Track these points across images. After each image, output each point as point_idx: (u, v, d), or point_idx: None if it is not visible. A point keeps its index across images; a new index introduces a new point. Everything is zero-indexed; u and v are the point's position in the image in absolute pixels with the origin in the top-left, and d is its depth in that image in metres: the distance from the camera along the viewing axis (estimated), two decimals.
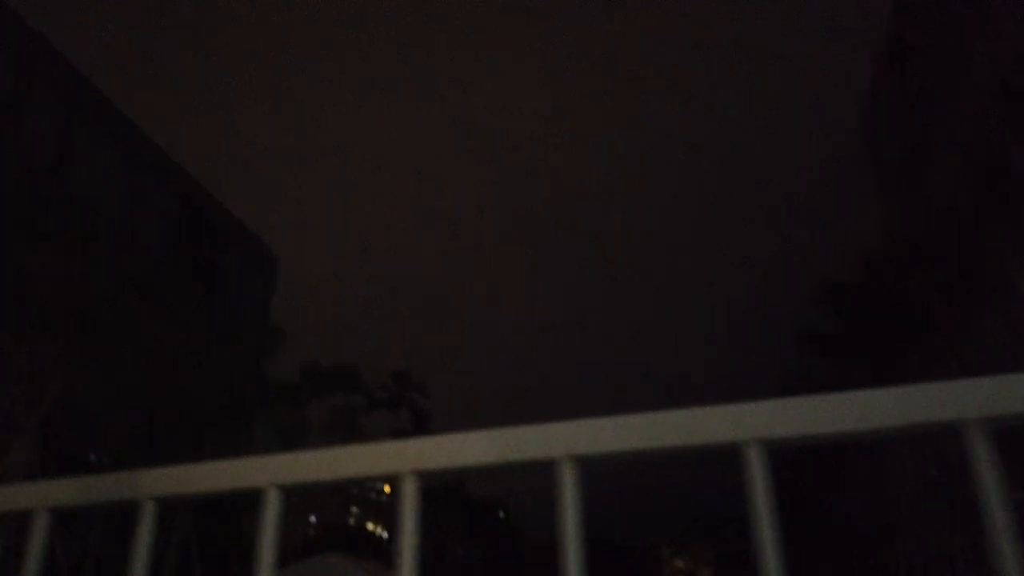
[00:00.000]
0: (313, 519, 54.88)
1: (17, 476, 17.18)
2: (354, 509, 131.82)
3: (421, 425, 46.19)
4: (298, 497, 74.20)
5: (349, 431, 28.86)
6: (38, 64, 35.46)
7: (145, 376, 24.10)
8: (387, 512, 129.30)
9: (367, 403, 34.85)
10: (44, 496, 0.99)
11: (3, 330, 18.58)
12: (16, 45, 33.96)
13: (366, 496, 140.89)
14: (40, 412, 17.78)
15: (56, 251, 22.31)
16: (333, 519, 58.65)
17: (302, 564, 15.15)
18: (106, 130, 40.11)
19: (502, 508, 50.82)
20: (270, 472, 0.91)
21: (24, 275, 19.28)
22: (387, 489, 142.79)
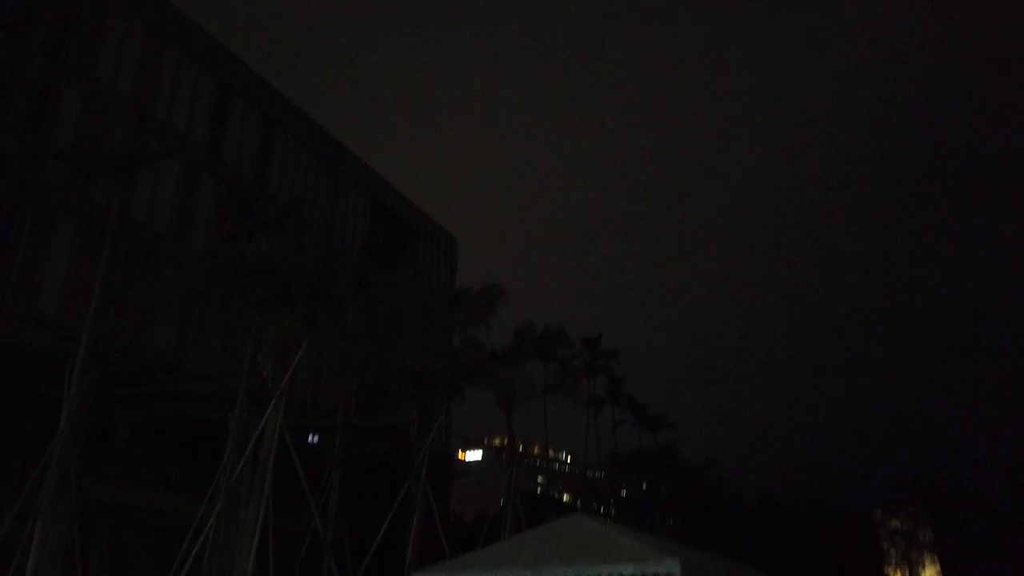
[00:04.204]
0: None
1: (266, 440, 18.05)
2: (540, 478, 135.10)
3: (616, 392, 45.74)
4: (493, 471, 76.85)
5: (569, 394, 28.71)
6: (237, 80, 37.99)
7: (365, 347, 24.93)
8: (568, 479, 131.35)
9: (561, 370, 34.44)
10: None
11: (251, 307, 19.66)
12: (217, 64, 36.49)
13: (550, 467, 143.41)
14: (287, 381, 18.65)
15: (271, 236, 23.50)
16: (524, 486, 59.49)
17: (556, 522, 14.86)
18: (302, 138, 42.78)
19: (713, 472, 49.36)
20: None
21: (244, 257, 20.30)
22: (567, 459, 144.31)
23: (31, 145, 26.92)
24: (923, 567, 61.44)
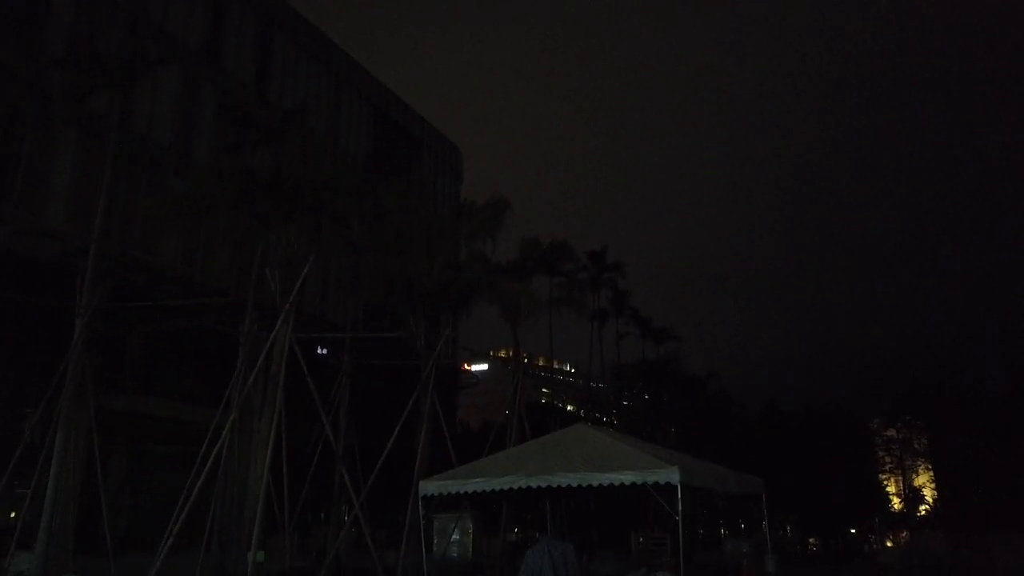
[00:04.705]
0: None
1: (277, 352, 18.30)
2: (544, 389, 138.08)
3: (620, 305, 46.05)
4: (499, 383, 78.54)
5: (575, 307, 28.89)
6: None
7: (371, 260, 24.95)
8: (572, 390, 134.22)
9: (566, 283, 34.50)
10: None
11: (259, 222, 19.58)
12: None
13: (554, 378, 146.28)
14: (295, 295, 18.75)
15: (270, 147, 23.15)
16: (529, 397, 60.72)
17: (560, 432, 15.16)
18: (303, 45, 41.49)
19: (715, 382, 50.23)
20: None
21: (249, 171, 20.04)
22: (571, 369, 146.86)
23: (26, 51, 26.26)
24: (916, 473, 63.32)
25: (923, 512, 61.24)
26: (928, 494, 62.14)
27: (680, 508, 10.74)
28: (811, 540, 57.59)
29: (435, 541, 28.08)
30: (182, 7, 33.72)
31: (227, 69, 36.22)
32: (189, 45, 33.96)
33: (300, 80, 41.22)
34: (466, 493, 12.10)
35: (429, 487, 12.59)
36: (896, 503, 63.52)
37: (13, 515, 22.61)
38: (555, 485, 11.65)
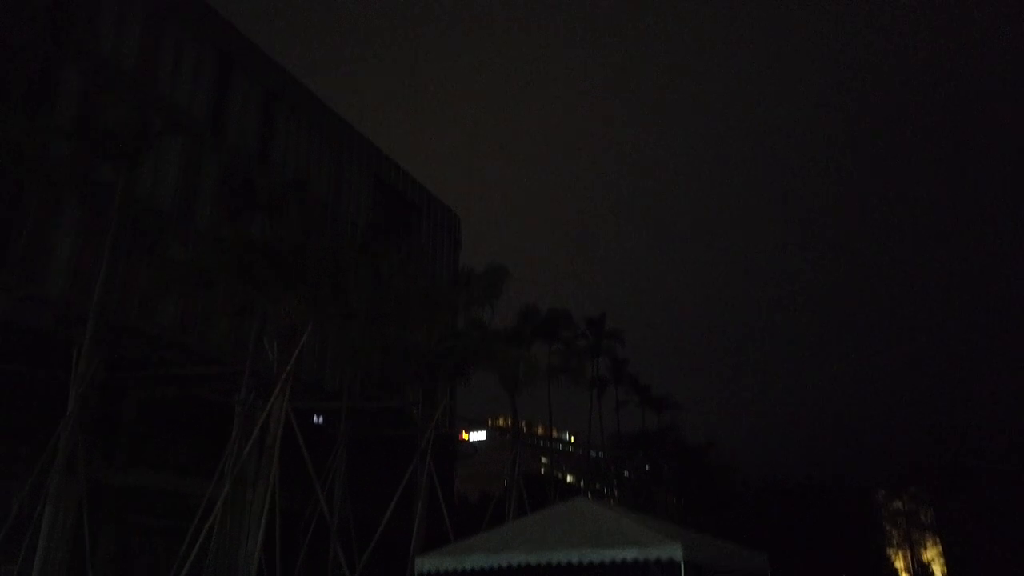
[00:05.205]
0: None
1: (272, 422, 18.10)
2: (543, 459, 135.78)
3: (619, 373, 45.79)
4: (497, 452, 77.29)
5: (573, 376, 28.76)
6: (239, 55, 37.70)
7: (368, 329, 24.93)
8: (571, 460, 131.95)
9: (565, 350, 34.43)
10: None
11: (259, 291, 19.64)
12: (218, 39, 36.19)
13: (553, 447, 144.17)
14: (293, 364, 18.65)
15: (271, 216, 23.43)
16: (528, 467, 59.71)
17: (560, 505, 14.93)
18: (305, 114, 42.50)
19: (715, 452, 49.60)
20: None
21: (250, 240, 20.24)
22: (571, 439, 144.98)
23: (33, 123, 26.80)
24: (924, 548, 61.79)
25: None
26: (937, 570, 60.59)
27: None
28: None
29: None
30: (188, 78, 34.63)
31: (230, 138, 36.96)
32: (194, 115, 34.73)
33: (302, 148, 42.03)
34: (463, 570, 11.79)
35: (426, 564, 12.28)
36: None
37: None
38: (555, 562, 11.37)
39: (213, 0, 36.64)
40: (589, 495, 18.04)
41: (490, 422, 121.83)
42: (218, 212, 33.35)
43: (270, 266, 19.11)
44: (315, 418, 35.93)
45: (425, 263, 38.82)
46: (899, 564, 60.42)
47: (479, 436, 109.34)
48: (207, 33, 35.61)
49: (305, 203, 23.47)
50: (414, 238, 49.53)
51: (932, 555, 61.42)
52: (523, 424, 32.77)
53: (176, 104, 33.58)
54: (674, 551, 10.46)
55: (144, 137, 20.81)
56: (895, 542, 58.96)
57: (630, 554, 10.79)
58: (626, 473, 56.67)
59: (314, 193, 36.64)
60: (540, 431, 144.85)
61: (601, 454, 65.69)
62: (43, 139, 26.35)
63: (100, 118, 23.69)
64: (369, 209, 47.17)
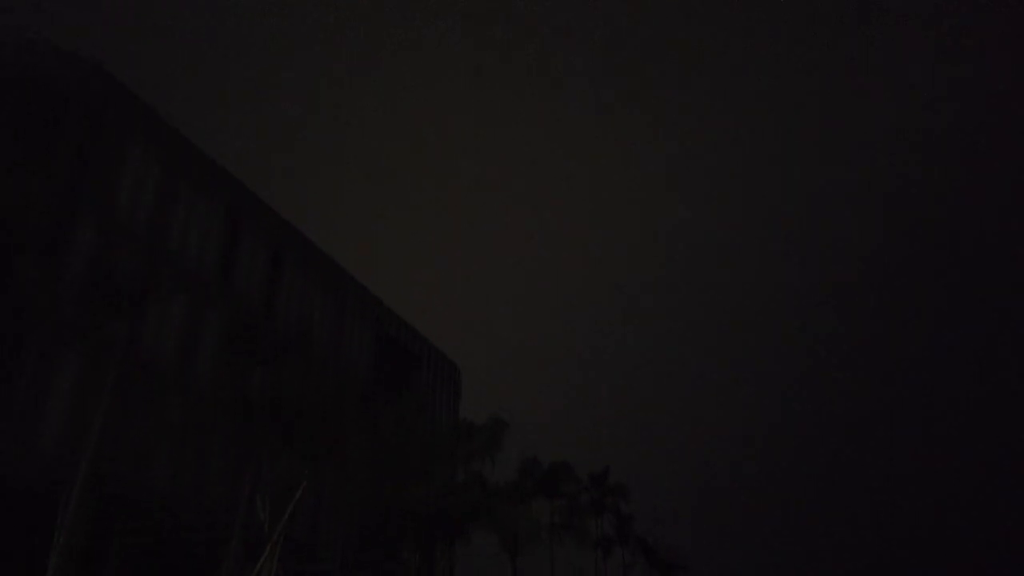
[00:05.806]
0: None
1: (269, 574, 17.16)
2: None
3: (625, 532, 43.77)
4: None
5: (577, 535, 27.55)
6: (247, 210, 39.22)
7: (366, 484, 24.21)
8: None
9: (568, 507, 33.28)
10: None
11: (255, 443, 19.24)
12: (227, 196, 37.79)
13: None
14: (284, 523, 17.92)
15: (274, 370, 23.39)
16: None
17: None
18: (310, 267, 43.64)
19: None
20: None
21: (253, 395, 20.10)
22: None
23: (46, 275, 27.32)
24: None
25: None
26: None
27: None
28: None
29: None
30: (198, 233, 35.73)
31: (236, 289, 37.62)
32: (202, 268, 35.53)
33: (305, 300, 42.67)
34: None
35: None
36: None
37: None
38: None
39: (223, 159, 38.60)
40: None
41: None
42: (220, 363, 33.33)
43: (270, 419, 18.83)
44: None
45: (425, 414, 38.31)
46: None
47: None
48: (218, 190, 37.20)
49: (307, 355, 23.47)
50: (415, 387, 49.23)
51: None
52: None
53: (185, 258, 34.45)
54: None
55: (153, 292, 21.14)
56: None
57: None
58: None
59: (316, 343, 36.78)
60: None
61: None
62: (54, 292, 26.83)
63: (111, 272, 24.21)
64: (371, 358, 47.20)
